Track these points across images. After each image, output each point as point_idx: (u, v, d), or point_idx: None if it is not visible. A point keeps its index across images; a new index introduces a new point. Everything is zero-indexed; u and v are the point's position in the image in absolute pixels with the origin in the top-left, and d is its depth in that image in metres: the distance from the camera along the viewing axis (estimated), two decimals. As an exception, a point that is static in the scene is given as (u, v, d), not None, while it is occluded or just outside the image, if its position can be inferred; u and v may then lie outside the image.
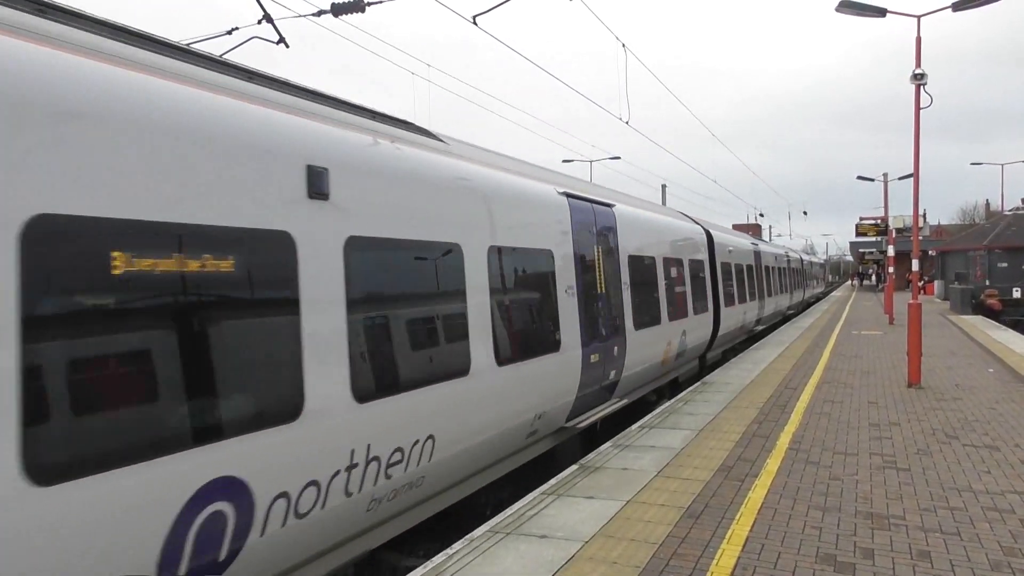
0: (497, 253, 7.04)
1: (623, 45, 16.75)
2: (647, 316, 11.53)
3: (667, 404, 11.36)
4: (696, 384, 13.40)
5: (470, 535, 5.69)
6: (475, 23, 10.82)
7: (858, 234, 35.19)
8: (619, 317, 10.26)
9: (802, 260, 41.90)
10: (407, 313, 5.57)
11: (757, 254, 24.08)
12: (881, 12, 12.96)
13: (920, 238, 15.21)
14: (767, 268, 25.90)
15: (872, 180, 33.90)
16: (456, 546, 5.44)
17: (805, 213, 76.67)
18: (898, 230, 28.63)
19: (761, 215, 64.22)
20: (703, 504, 6.42)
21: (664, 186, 50.94)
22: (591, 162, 44.32)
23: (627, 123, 17.18)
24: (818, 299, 54.60)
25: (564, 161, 42.77)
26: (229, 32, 10.38)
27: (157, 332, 3.60)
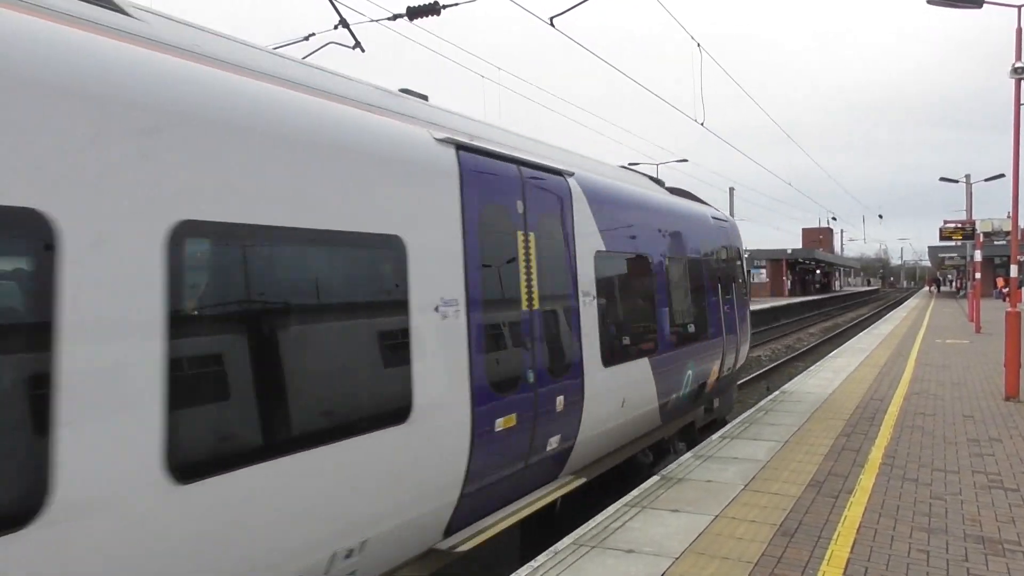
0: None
1: (698, 45, 16.39)
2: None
3: (746, 414, 10.97)
4: (776, 393, 12.93)
5: (554, 547, 5.53)
6: (552, 24, 10.70)
7: (942, 238, 33.56)
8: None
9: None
10: None
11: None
12: (977, 3, 12.26)
13: (1006, 242, 14.40)
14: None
15: (956, 181, 32.38)
16: (540, 558, 5.29)
17: (880, 216, 73.94)
18: (986, 234, 27.17)
19: (833, 218, 62.12)
20: (796, 521, 6.10)
21: (732, 189, 49.99)
22: (657, 165, 43.73)
23: (702, 124, 16.79)
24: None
25: (630, 164, 42.34)
26: (306, 38, 10.53)
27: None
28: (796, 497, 6.75)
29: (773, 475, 7.51)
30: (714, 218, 10.90)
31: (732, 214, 67.76)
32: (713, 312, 10.05)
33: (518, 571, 5.11)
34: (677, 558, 5.28)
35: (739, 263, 11.85)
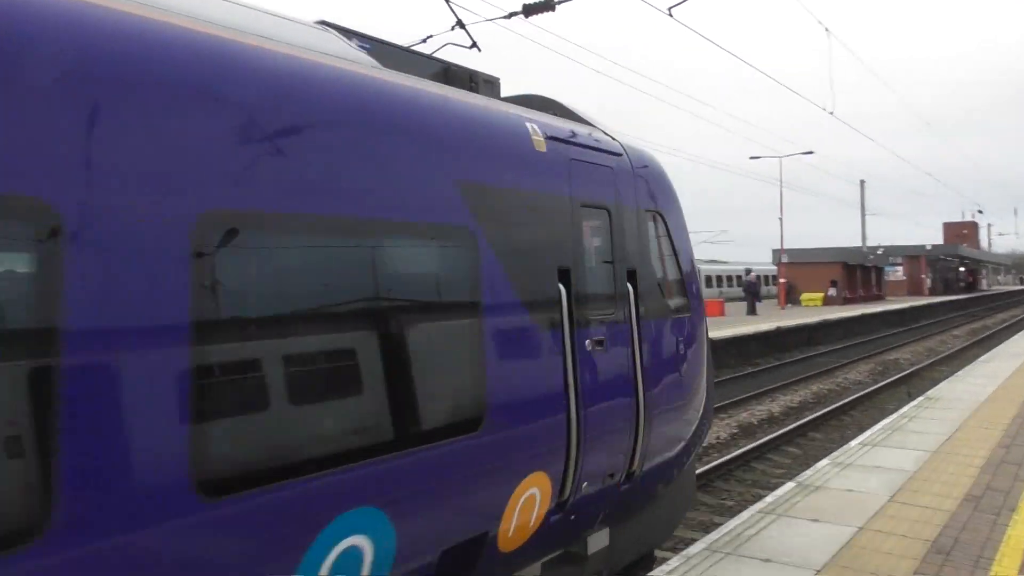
0: None
1: (826, 29, 15.57)
2: None
3: (888, 420, 10.27)
4: (919, 399, 12.04)
5: (686, 552, 5.38)
6: (671, 15, 10.45)
7: (1111, 230, 30.20)
8: None
9: None
10: None
11: None
12: None
13: None
14: None
15: None
16: (672, 563, 5.15)
17: (1034, 208, 67.35)
18: None
19: (979, 211, 57.31)
20: (952, 539, 5.63)
21: (863, 182, 47.11)
22: (780, 158, 41.87)
23: (831, 113, 15.91)
24: None
25: (751, 158, 40.75)
26: (424, 40, 10.78)
27: None
28: (951, 512, 6.23)
29: (922, 487, 6.97)
30: (585, 147, 4.76)
31: (863, 209, 62.31)
32: (524, 354, 4.07)
33: (652, 573, 4.99)
34: (819, 571, 4.99)
35: (666, 240, 5.57)
